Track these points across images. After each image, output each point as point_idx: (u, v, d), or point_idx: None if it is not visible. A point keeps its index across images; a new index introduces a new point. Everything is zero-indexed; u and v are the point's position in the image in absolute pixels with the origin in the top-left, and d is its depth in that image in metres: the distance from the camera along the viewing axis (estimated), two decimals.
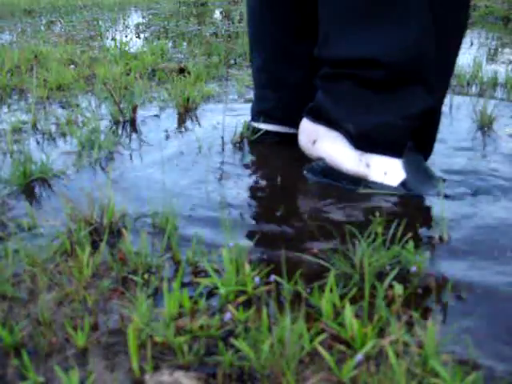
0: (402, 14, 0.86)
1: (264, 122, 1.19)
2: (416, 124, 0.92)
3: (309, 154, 1.03)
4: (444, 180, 0.93)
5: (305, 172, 1.01)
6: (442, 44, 0.89)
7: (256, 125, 1.20)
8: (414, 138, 0.93)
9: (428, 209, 0.85)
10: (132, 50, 2.23)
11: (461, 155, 1.09)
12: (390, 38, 0.87)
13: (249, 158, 1.10)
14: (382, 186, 0.91)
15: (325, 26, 0.95)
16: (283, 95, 1.17)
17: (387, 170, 0.92)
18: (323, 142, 0.99)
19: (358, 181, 0.94)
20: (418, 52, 0.87)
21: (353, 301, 0.59)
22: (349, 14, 0.90)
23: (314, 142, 1.00)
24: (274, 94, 1.17)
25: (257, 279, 0.63)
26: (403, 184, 0.91)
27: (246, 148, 1.15)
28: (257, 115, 1.20)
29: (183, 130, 1.29)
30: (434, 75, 0.90)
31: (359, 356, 0.50)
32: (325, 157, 0.98)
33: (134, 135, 1.25)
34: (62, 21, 3.91)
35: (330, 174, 0.97)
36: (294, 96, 1.16)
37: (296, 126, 1.20)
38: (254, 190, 0.94)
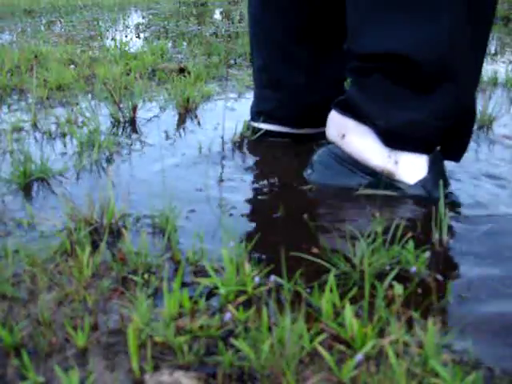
0: (434, 6, 0.82)
1: (264, 121, 1.19)
2: (449, 123, 0.89)
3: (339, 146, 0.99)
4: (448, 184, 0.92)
5: (306, 173, 0.99)
6: (474, 38, 0.86)
7: (256, 124, 1.20)
8: (447, 137, 0.91)
9: (428, 209, 0.85)
10: (132, 50, 2.23)
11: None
12: (418, 32, 0.83)
13: (249, 158, 1.10)
14: (397, 185, 0.90)
15: (351, 20, 0.92)
16: (283, 96, 1.17)
17: (414, 168, 0.89)
18: (352, 136, 0.95)
19: (375, 174, 0.92)
20: (449, 48, 0.83)
21: (353, 301, 0.59)
22: (375, 5, 0.87)
23: (343, 136, 0.96)
24: (274, 95, 1.17)
25: (257, 279, 0.63)
26: (422, 182, 0.89)
27: (246, 148, 1.15)
28: (257, 115, 1.20)
29: (183, 130, 1.29)
30: (468, 72, 0.88)
31: (359, 356, 0.50)
32: (353, 152, 0.95)
33: (133, 135, 1.25)
34: (61, 21, 3.91)
35: (345, 161, 0.95)
36: (294, 97, 1.16)
37: (295, 126, 1.20)
38: (253, 190, 0.94)
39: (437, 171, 0.89)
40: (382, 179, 0.90)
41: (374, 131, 0.92)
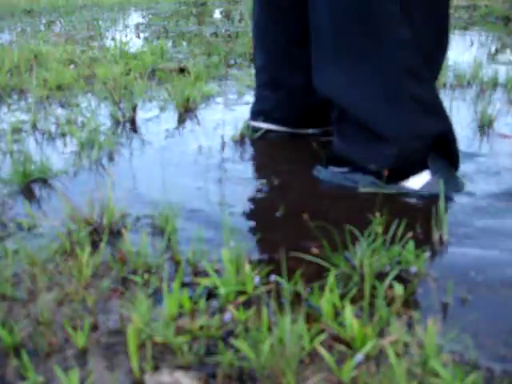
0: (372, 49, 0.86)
1: (264, 121, 1.19)
2: (428, 142, 0.90)
3: None
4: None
5: (316, 172, 1.00)
6: (431, 38, 0.89)
7: (256, 124, 1.20)
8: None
9: (428, 208, 0.85)
10: (132, 50, 2.23)
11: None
12: (340, 76, 0.90)
13: (249, 158, 1.10)
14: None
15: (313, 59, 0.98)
16: (282, 96, 1.17)
17: (417, 176, 0.91)
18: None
19: (379, 174, 0.92)
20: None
21: (353, 301, 0.59)
22: (321, 51, 0.93)
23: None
24: (273, 95, 1.18)
25: (257, 279, 0.63)
26: (427, 186, 0.90)
27: (246, 147, 1.15)
28: (256, 115, 1.20)
29: (183, 129, 1.29)
30: (432, 92, 0.90)
31: (359, 356, 0.50)
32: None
33: (133, 135, 1.25)
34: (61, 21, 3.91)
35: (350, 162, 0.95)
36: (293, 97, 1.16)
37: (295, 126, 1.20)
38: (253, 190, 0.94)
39: (442, 172, 0.90)
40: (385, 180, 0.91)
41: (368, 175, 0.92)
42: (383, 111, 0.89)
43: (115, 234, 0.77)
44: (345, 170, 0.95)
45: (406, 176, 0.91)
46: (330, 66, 0.92)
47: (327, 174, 0.97)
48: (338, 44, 0.89)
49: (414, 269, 0.66)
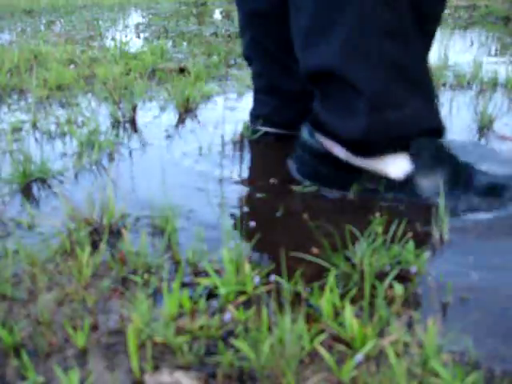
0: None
1: (262, 125, 1.20)
2: (406, 119, 0.87)
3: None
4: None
5: (291, 161, 1.01)
6: (419, 38, 0.87)
7: (256, 127, 1.21)
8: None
9: (428, 208, 0.85)
10: (132, 50, 2.23)
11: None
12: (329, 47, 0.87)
13: (249, 158, 1.10)
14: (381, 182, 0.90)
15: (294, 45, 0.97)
16: (280, 101, 1.17)
17: (397, 163, 0.89)
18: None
19: (350, 168, 0.91)
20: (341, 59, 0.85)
21: (353, 301, 0.59)
22: (305, 31, 0.91)
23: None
24: (271, 100, 1.18)
25: (257, 279, 0.63)
26: (408, 175, 0.88)
27: (246, 148, 1.15)
28: (256, 119, 1.21)
29: (183, 129, 1.29)
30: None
31: (359, 356, 0.50)
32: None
33: (133, 135, 1.25)
34: (61, 21, 3.91)
35: (324, 157, 0.94)
36: (291, 103, 1.17)
37: (294, 129, 1.20)
38: (253, 190, 0.94)
39: (424, 162, 0.88)
40: (369, 175, 0.91)
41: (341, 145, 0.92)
42: (364, 73, 0.86)
43: (115, 234, 0.77)
44: (321, 136, 0.95)
45: (380, 152, 0.89)
46: (314, 38, 0.90)
47: (307, 135, 0.98)
48: (319, 14, 0.87)
49: (413, 269, 0.66)
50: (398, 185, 0.89)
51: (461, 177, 0.88)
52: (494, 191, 0.86)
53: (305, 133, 0.98)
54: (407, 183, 0.89)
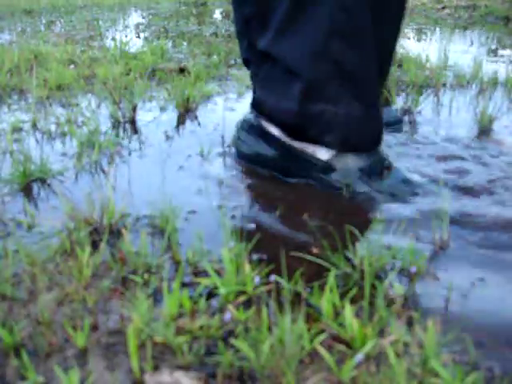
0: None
1: None
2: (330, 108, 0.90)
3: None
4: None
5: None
6: (379, 38, 0.87)
7: None
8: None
9: (428, 208, 0.85)
10: (132, 50, 2.23)
11: (460, 155, 1.09)
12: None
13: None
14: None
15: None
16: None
17: (323, 152, 0.93)
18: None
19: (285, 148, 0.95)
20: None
21: (353, 301, 0.59)
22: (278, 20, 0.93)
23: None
24: None
25: (257, 279, 0.63)
26: (333, 160, 0.92)
27: None
28: None
29: (183, 129, 1.29)
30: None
31: (359, 356, 0.50)
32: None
33: (133, 135, 1.25)
34: (61, 21, 3.91)
35: (262, 135, 0.99)
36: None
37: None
38: (253, 190, 0.94)
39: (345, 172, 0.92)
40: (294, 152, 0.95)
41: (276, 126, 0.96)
42: (305, 61, 0.88)
43: (115, 234, 0.77)
44: (260, 117, 0.99)
45: (309, 140, 0.93)
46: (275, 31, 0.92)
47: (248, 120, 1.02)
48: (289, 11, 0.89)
49: (413, 269, 0.66)
50: (327, 167, 0.93)
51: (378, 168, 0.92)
52: (403, 186, 0.90)
53: (248, 113, 1.04)
54: (331, 167, 0.93)
